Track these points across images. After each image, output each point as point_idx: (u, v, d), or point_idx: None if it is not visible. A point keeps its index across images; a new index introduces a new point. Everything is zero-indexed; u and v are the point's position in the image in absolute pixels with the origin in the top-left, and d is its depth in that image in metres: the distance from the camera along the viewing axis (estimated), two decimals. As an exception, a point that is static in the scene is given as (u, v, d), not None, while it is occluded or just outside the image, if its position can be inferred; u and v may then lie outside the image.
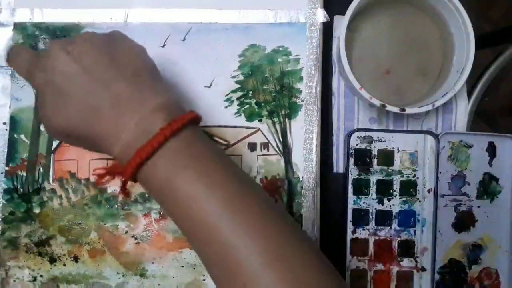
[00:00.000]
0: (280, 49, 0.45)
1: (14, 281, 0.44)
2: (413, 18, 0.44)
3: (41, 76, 0.33)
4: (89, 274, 0.44)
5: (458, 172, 0.46)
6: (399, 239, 0.45)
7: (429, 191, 0.45)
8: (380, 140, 0.46)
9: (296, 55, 0.45)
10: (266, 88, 0.45)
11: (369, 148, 0.45)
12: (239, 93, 0.45)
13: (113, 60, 0.33)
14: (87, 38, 0.34)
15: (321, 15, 0.45)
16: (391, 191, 0.46)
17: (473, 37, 0.41)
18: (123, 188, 0.34)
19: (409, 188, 0.46)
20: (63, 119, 0.33)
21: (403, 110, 0.41)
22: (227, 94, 0.45)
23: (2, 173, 0.44)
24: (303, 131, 0.45)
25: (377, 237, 0.45)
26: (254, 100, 0.45)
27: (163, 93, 0.33)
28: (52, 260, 0.44)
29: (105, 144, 0.33)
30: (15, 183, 0.44)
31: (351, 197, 0.45)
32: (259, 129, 0.45)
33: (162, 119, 0.31)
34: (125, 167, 0.32)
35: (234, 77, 0.45)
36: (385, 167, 0.46)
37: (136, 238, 0.44)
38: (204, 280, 0.44)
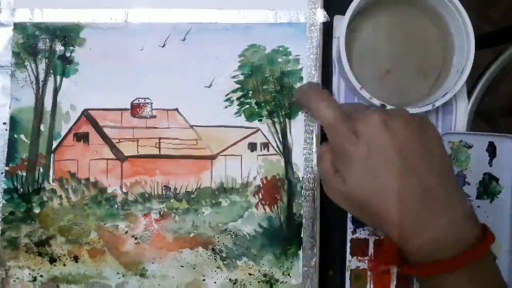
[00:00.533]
0: (280, 49, 0.45)
1: (14, 281, 0.44)
2: (413, 18, 0.44)
3: (352, 137, 0.33)
4: (89, 274, 0.44)
5: (458, 172, 0.46)
6: (399, 239, 0.45)
7: (429, 191, 0.45)
8: (380, 140, 0.45)
9: (296, 55, 0.45)
10: (266, 88, 0.45)
11: (369, 148, 0.45)
12: (239, 93, 0.45)
13: (426, 150, 0.32)
14: (406, 119, 0.33)
15: (321, 15, 0.45)
16: (391, 191, 0.45)
17: (473, 37, 0.41)
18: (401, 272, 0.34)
19: (409, 188, 0.45)
20: (365, 189, 0.32)
21: (403, 110, 0.41)
22: (227, 94, 0.45)
23: (2, 173, 0.44)
24: (303, 131, 0.45)
25: (377, 237, 0.45)
26: (254, 100, 0.45)
27: (465, 199, 0.33)
28: (52, 260, 0.44)
29: (403, 232, 0.32)
30: (15, 183, 0.44)
31: (351, 197, 0.45)
32: (259, 129, 0.45)
33: (473, 231, 0.31)
34: (419, 266, 0.32)
35: (234, 77, 0.45)
36: (385, 167, 0.45)
37: (136, 238, 0.44)
38: (204, 280, 0.44)
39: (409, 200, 0.31)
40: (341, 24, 0.41)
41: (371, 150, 0.32)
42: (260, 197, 0.44)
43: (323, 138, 0.45)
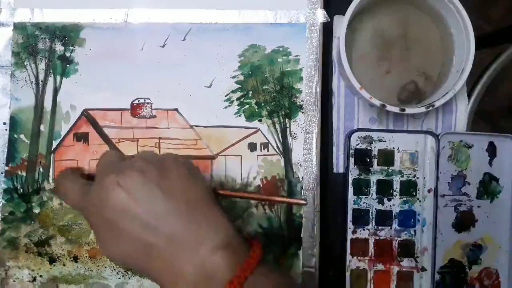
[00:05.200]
0: (280, 49, 0.45)
1: (14, 281, 0.44)
2: (413, 18, 0.44)
3: (94, 209, 0.32)
4: (89, 274, 0.44)
5: (458, 172, 0.46)
6: (399, 239, 0.45)
7: (429, 191, 0.45)
8: (380, 140, 0.45)
9: (296, 55, 0.45)
10: (266, 88, 0.45)
11: (369, 148, 0.45)
12: (239, 93, 0.45)
13: (166, 192, 0.32)
14: (139, 168, 0.32)
15: (321, 15, 0.45)
16: (391, 191, 0.45)
17: (473, 37, 0.41)
18: None
19: (409, 188, 0.45)
20: (120, 253, 0.32)
21: (403, 110, 0.41)
22: (227, 94, 0.45)
23: (2, 173, 0.44)
24: (303, 131, 0.45)
25: (377, 237, 0.45)
26: (254, 100, 0.45)
27: (221, 227, 0.32)
28: (52, 260, 0.44)
29: (164, 283, 0.32)
30: (15, 183, 0.44)
31: (351, 197, 0.45)
32: (259, 129, 0.45)
33: (225, 264, 0.30)
34: None
35: (234, 77, 0.45)
36: (385, 167, 0.45)
37: (136, 238, 0.44)
38: (204, 280, 0.44)
39: (158, 252, 0.31)
40: (341, 24, 0.41)
41: (111, 216, 0.32)
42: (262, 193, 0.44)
43: (323, 138, 0.46)
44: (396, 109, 0.41)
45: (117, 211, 0.31)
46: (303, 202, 0.36)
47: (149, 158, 0.34)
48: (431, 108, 0.41)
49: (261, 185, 0.45)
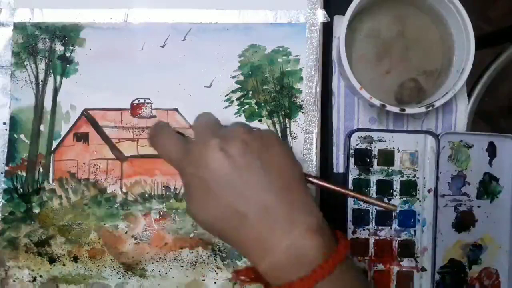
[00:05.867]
0: (280, 49, 0.45)
1: (14, 281, 0.44)
2: (413, 18, 0.44)
3: (192, 169, 0.32)
4: (89, 274, 0.44)
5: (458, 172, 0.46)
6: (399, 239, 0.45)
7: (429, 191, 0.45)
8: (380, 140, 0.45)
9: (296, 55, 0.45)
10: (266, 88, 0.45)
11: (369, 148, 0.45)
12: (239, 93, 0.45)
13: (266, 167, 0.32)
14: (244, 139, 0.32)
15: (321, 15, 0.45)
16: (391, 191, 0.46)
17: (473, 37, 0.41)
18: None
19: (409, 188, 0.46)
20: (210, 217, 0.32)
21: (403, 110, 0.41)
22: (227, 94, 0.45)
23: (2, 173, 0.44)
24: (303, 131, 0.45)
25: (377, 237, 0.45)
26: (254, 100, 0.45)
27: (313, 211, 0.32)
28: (52, 260, 0.44)
29: (250, 255, 0.32)
30: (15, 183, 0.44)
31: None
32: (259, 129, 0.45)
33: (316, 249, 0.30)
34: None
35: (234, 77, 0.45)
36: (385, 167, 0.45)
37: (136, 238, 0.44)
38: (204, 280, 0.44)
39: (248, 223, 0.31)
40: (341, 24, 0.41)
41: (208, 178, 0.32)
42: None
43: (323, 138, 0.46)
44: (396, 109, 0.41)
45: (216, 175, 0.31)
46: (393, 208, 0.35)
47: (251, 130, 0.34)
48: (431, 108, 0.41)
49: None
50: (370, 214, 0.45)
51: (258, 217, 0.31)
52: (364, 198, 0.36)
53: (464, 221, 0.46)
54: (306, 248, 0.30)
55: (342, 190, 0.36)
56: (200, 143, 0.33)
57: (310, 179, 0.36)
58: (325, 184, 0.36)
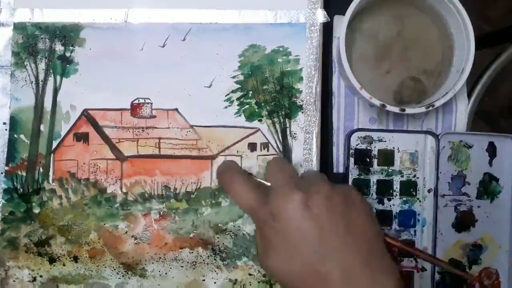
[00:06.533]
0: (280, 49, 0.45)
1: (14, 281, 0.44)
2: (413, 18, 0.44)
3: (272, 222, 0.31)
4: (89, 274, 0.44)
5: (458, 172, 0.46)
6: (399, 239, 0.45)
7: (429, 191, 0.45)
8: (380, 140, 0.45)
9: (296, 55, 0.45)
10: (266, 88, 0.45)
11: (369, 148, 0.45)
12: (239, 93, 0.45)
13: (349, 225, 0.31)
14: (327, 196, 0.32)
15: (321, 15, 0.45)
16: (391, 191, 0.45)
17: (473, 37, 0.41)
18: None
19: (409, 188, 0.45)
20: (287, 272, 0.31)
21: (403, 110, 0.41)
22: (227, 94, 0.45)
23: (2, 173, 0.44)
24: (303, 131, 0.45)
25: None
26: (254, 100, 0.45)
27: (393, 274, 0.32)
28: (52, 260, 0.44)
29: None
30: (15, 183, 0.44)
31: (351, 197, 0.45)
32: (259, 129, 0.45)
33: None
34: None
35: (234, 77, 0.45)
36: (385, 167, 0.45)
37: (136, 238, 0.44)
38: (204, 280, 0.44)
39: (329, 285, 0.30)
40: (341, 24, 0.41)
41: (289, 233, 0.31)
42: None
43: (323, 138, 0.46)
44: (396, 109, 0.41)
45: (299, 232, 0.31)
46: (468, 277, 0.35)
47: (333, 185, 0.33)
48: (431, 108, 0.41)
49: (261, 185, 0.45)
50: (370, 214, 0.45)
51: (340, 278, 0.30)
52: (441, 264, 0.36)
53: (464, 221, 0.46)
54: None
55: (417, 253, 0.37)
56: (281, 194, 0.32)
57: (389, 240, 0.36)
58: (403, 246, 0.36)
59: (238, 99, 0.45)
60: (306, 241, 0.31)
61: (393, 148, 0.46)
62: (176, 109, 0.45)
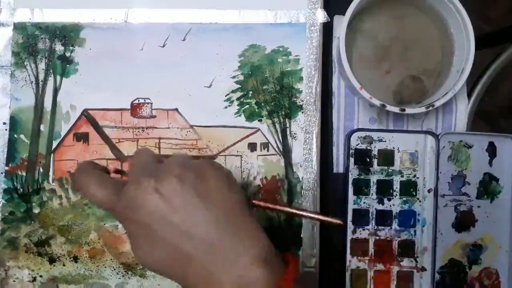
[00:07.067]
0: (280, 49, 0.45)
1: (14, 281, 0.44)
2: (413, 18, 0.44)
3: (129, 214, 0.31)
4: (89, 274, 0.44)
5: (458, 172, 0.46)
6: (399, 239, 0.45)
7: (429, 191, 0.45)
8: (380, 140, 0.45)
9: (296, 55, 0.45)
10: (266, 88, 0.45)
11: (369, 148, 0.45)
12: (239, 93, 0.45)
13: (204, 200, 0.31)
14: (177, 174, 0.31)
15: (321, 15, 0.45)
16: (391, 191, 0.45)
17: (473, 37, 0.41)
18: None
19: (409, 188, 0.45)
20: (156, 260, 0.31)
21: (403, 110, 0.41)
22: (227, 94, 0.45)
23: (2, 173, 0.44)
24: (303, 131, 0.45)
25: (377, 237, 0.45)
26: (254, 100, 0.45)
27: (259, 239, 0.32)
28: (52, 260, 0.44)
29: None
30: (15, 183, 0.44)
31: (351, 197, 0.45)
32: (259, 129, 0.45)
33: (263, 281, 0.30)
34: None
35: (234, 77, 0.45)
36: (385, 167, 0.45)
37: (136, 238, 0.44)
38: (204, 280, 0.44)
39: (194, 262, 0.30)
40: (341, 24, 0.41)
41: (146, 222, 0.31)
42: (260, 197, 0.44)
43: (323, 138, 0.46)
44: (396, 109, 0.41)
45: (155, 218, 0.31)
46: (339, 222, 0.35)
47: (186, 163, 0.33)
48: (431, 108, 0.41)
49: (261, 185, 0.45)
50: (370, 214, 0.45)
51: (204, 254, 0.30)
52: (306, 214, 0.36)
53: (464, 221, 0.46)
54: (253, 280, 0.30)
55: (286, 209, 0.36)
56: (133, 184, 0.32)
57: (255, 202, 0.35)
58: (269, 205, 0.36)
59: (238, 99, 0.45)
60: (164, 225, 0.30)
61: (393, 148, 0.46)
62: (176, 109, 0.45)
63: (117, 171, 0.38)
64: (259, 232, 0.32)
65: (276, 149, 0.45)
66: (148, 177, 0.31)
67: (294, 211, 0.36)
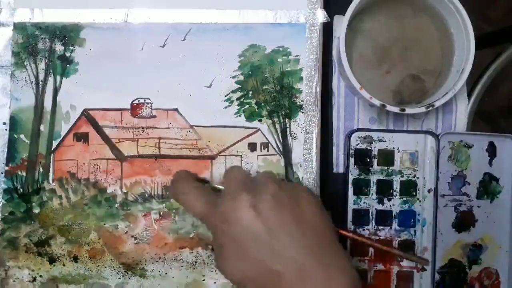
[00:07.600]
0: (280, 49, 0.45)
1: (14, 281, 0.44)
2: (413, 18, 0.44)
3: (223, 226, 0.32)
4: (89, 274, 0.44)
5: (458, 172, 0.46)
6: (399, 239, 0.45)
7: (429, 191, 0.45)
8: (380, 140, 0.45)
9: (296, 55, 0.45)
10: (266, 88, 0.45)
11: (369, 148, 0.45)
12: (239, 93, 0.45)
13: (298, 221, 0.31)
14: (274, 193, 0.32)
15: (321, 15, 0.45)
16: (391, 191, 0.46)
17: (473, 37, 0.41)
18: None
19: (409, 188, 0.46)
20: (242, 274, 0.32)
21: (403, 110, 0.41)
22: (227, 94, 0.45)
23: (2, 173, 0.44)
24: (303, 131, 0.45)
25: (377, 237, 0.45)
26: (254, 100, 0.45)
27: (348, 269, 0.32)
28: (52, 260, 0.44)
29: None
30: (15, 183, 0.44)
31: (351, 197, 0.45)
32: (259, 129, 0.45)
33: None
34: None
35: (234, 77, 0.45)
36: (385, 167, 0.45)
37: (136, 238, 0.44)
38: (204, 280, 0.44)
39: (283, 282, 0.30)
40: (341, 24, 0.41)
41: (239, 236, 0.31)
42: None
43: (323, 138, 0.46)
44: (396, 109, 0.41)
45: (249, 234, 0.31)
46: (426, 259, 0.36)
47: (279, 182, 0.33)
48: (431, 108, 0.41)
49: (261, 185, 0.44)
50: (370, 214, 0.45)
51: (295, 275, 0.30)
52: (395, 252, 0.37)
53: (464, 221, 0.46)
54: None
55: (374, 244, 0.37)
56: (230, 198, 0.33)
57: (342, 232, 0.36)
58: (356, 237, 0.36)
59: (238, 99, 0.45)
60: (257, 242, 0.31)
61: (393, 148, 0.46)
62: (176, 109, 0.45)
63: (201, 180, 0.39)
64: (348, 261, 0.32)
65: (276, 149, 0.45)
66: (245, 192, 0.32)
67: (381, 247, 0.37)
